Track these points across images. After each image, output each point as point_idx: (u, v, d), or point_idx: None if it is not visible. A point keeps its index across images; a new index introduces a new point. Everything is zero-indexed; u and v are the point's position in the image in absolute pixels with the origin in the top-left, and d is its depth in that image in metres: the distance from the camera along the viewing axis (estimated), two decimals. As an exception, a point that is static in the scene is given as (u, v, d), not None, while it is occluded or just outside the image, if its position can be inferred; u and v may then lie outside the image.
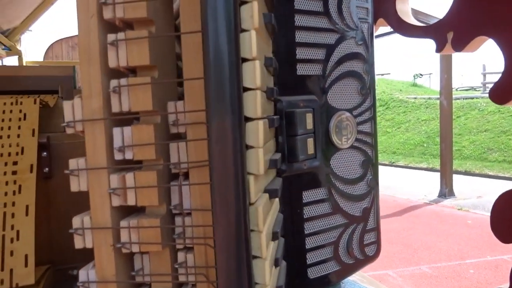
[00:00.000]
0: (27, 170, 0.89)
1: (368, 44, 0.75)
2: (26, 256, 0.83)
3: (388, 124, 12.19)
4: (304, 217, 0.68)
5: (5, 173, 0.87)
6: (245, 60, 0.47)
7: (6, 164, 0.88)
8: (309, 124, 0.66)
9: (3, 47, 3.06)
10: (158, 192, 0.56)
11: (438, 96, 6.58)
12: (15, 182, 0.87)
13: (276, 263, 0.55)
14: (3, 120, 0.94)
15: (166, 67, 0.60)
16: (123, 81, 0.55)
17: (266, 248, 0.48)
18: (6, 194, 0.87)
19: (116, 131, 0.55)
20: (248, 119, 0.47)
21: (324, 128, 0.70)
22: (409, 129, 11.36)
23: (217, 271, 0.47)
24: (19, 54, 3.34)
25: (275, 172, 0.64)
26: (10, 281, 0.82)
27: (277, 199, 0.65)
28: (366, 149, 0.77)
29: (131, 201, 0.56)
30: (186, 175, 0.57)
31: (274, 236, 0.55)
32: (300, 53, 0.66)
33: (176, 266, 0.58)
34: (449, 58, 5.95)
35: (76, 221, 0.57)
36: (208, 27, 0.44)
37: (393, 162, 9.88)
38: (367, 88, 0.76)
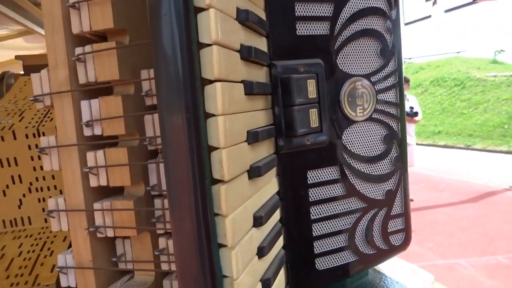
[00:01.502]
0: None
1: (391, -4, 0.63)
2: (53, 265, 0.85)
3: (464, 105, 11.32)
4: (310, 200, 0.59)
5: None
6: (200, 10, 0.39)
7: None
8: (312, 92, 0.56)
9: None
10: (131, 171, 0.51)
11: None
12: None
13: (260, 253, 0.47)
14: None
15: (141, 32, 0.54)
16: (87, 47, 0.49)
17: (232, 235, 0.40)
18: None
19: (84, 104, 0.51)
20: (207, 82, 0.40)
21: (333, 98, 0.60)
22: (487, 109, 10.45)
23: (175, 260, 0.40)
24: None
25: (272, 148, 0.56)
26: (34, 282, 0.83)
27: (274, 180, 0.56)
28: (390, 121, 0.65)
29: (103, 181, 0.51)
30: None
31: (257, 222, 0.47)
32: (300, 9, 0.57)
33: (157, 253, 0.53)
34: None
35: (51, 203, 0.53)
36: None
37: (469, 146, 9.17)
38: (389, 49, 0.64)
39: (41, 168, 0.93)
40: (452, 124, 10.85)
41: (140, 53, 0.53)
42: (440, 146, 10.02)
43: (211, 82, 0.40)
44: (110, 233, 0.51)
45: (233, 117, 0.42)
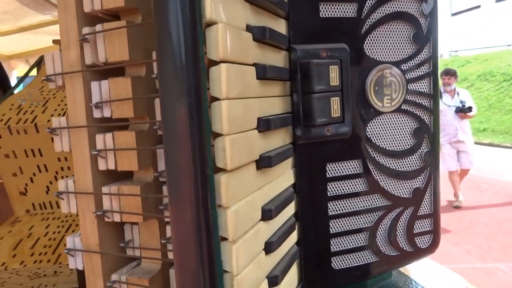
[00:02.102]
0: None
1: (428, -23, 0.58)
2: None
3: (513, 101, 10.71)
4: (328, 195, 0.56)
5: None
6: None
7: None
8: (334, 80, 0.52)
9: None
10: (139, 156, 0.49)
11: None
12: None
13: (268, 248, 0.44)
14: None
15: (155, 12, 0.51)
16: (98, 27, 0.48)
17: (234, 228, 0.37)
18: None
19: (94, 85, 0.49)
20: (213, 64, 0.37)
21: (358, 86, 0.56)
22: (542, 107, 9.85)
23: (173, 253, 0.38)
24: None
25: (289, 138, 0.53)
26: (55, 261, 0.84)
27: (290, 171, 0.53)
28: (421, 114, 0.60)
29: (111, 165, 0.50)
30: None
31: (265, 215, 0.44)
32: (325, -11, 0.53)
33: (163, 241, 0.51)
34: None
35: (61, 184, 0.53)
36: None
37: (516, 145, 8.68)
38: (423, 34, 0.59)
39: (66, 159, 0.94)
40: (499, 121, 10.29)
41: (152, 34, 0.51)
42: (484, 144, 9.55)
43: (217, 64, 0.37)
44: (117, 218, 0.50)
45: (240, 102, 0.39)
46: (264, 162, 0.43)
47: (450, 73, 4.73)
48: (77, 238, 0.53)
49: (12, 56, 3.56)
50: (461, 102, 4.67)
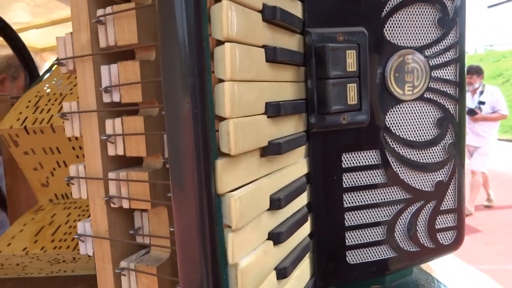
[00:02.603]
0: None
1: (456, -44, 0.54)
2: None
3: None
4: (344, 186, 0.53)
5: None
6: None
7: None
8: (351, 65, 0.50)
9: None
10: (147, 141, 0.48)
11: None
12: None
13: (276, 239, 0.43)
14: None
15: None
16: (108, 9, 0.47)
17: (238, 216, 0.36)
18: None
19: (103, 69, 0.48)
20: (217, 44, 0.35)
21: (377, 72, 0.53)
22: None
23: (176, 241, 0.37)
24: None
25: (303, 126, 0.51)
26: (74, 247, 0.85)
27: (303, 161, 0.51)
28: (445, 102, 0.57)
29: (120, 150, 0.49)
30: None
31: (274, 204, 0.42)
32: (343, -30, 0.50)
33: (172, 229, 0.50)
34: None
35: (72, 169, 0.53)
36: None
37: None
38: (449, 18, 0.55)
39: (84, 156, 0.95)
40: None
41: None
42: (519, 142, 9.16)
43: (222, 43, 0.35)
44: (125, 204, 0.50)
45: (246, 84, 0.37)
46: (273, 149, 0.41)
47: (470, 72, 4.44)
48: (88, 224, 0.53)
49: (45, 49, 3.66)
50: (479, 102, 4.42)
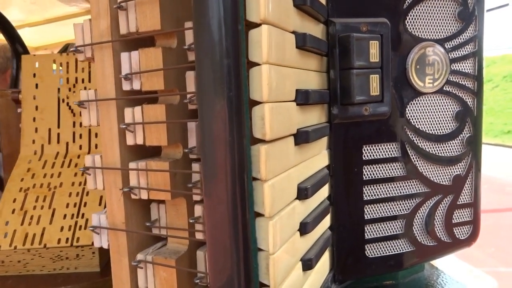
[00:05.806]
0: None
1: (476, -50, 0.54)
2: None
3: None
4: (364, 178, 0.53)
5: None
6: None
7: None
8: (374, 56, 0.49)
9: None
10: (168, 130, 0.47)
11: None
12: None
13: (303, 229, 0.42)
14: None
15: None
16: (129, -5, 0.46)
17: (271, 204, 0.35)
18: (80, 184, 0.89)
19: (124, 56, 0.47)
20: (253, 26, 0.34)
21: (398, 64, 0.52)
22: None
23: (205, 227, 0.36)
24: None
25: (325, 117, 0.50)
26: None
27: (325, 152, 0.50)
28: (464, 96, 0.56)
29: (139, 140, 0.48)
30: None
31: (301, 194, 0.41)
32: (367, -40, 0.50)
33: (191, 221, 0.49)
34: None
35: (88, 160, 0.51)
36: None
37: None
38: (469, 11, 0.55)
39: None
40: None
41: (186, 5, 0.49)
42: (508, 146, 9.28)
43: (257, 26, 0.34)
44: (144, 195, 0.48)
45: (280, 69, 0.36)
46: (302, 137, 0.41)
47: None
48: (103, 216, 0.51)
49: (39, 47, 3.62)
50: None
